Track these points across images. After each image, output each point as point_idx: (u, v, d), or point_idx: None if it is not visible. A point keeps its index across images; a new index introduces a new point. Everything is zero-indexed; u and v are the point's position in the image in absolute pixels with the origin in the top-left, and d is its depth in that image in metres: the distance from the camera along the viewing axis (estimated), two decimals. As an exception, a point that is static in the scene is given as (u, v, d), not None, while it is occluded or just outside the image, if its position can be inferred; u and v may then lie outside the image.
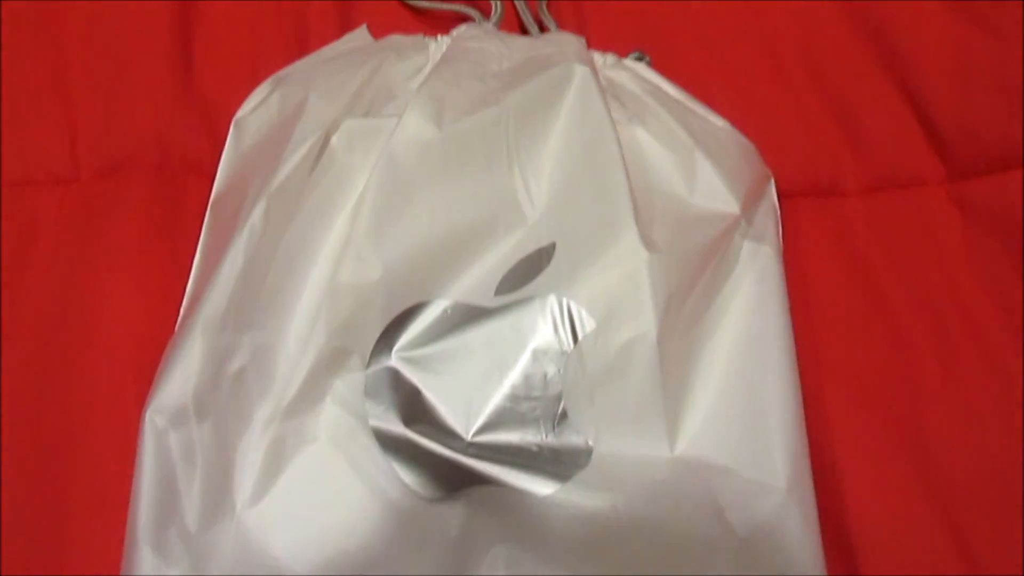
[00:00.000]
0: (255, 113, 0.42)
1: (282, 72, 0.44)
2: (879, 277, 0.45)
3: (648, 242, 0.37)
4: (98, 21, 0.49)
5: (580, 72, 0.41)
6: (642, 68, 0.47)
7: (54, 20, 0.49)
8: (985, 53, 0.48)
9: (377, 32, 0.48)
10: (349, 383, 0.35)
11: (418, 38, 0.46)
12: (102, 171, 0.46)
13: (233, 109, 0.44)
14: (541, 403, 0.35)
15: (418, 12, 0.52)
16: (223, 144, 0.43)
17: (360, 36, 0.47)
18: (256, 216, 0.37)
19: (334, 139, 0.39)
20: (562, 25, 0.51)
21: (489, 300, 0.36)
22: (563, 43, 0.45)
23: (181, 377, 0.35)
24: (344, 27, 0.50)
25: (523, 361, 0.35)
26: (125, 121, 0.47)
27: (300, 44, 0.50)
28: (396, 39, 0.46)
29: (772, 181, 0.45)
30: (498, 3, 0.50)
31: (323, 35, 0.49)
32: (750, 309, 0.39)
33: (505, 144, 0.39)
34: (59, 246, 0.43)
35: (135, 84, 0.48)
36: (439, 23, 0.51)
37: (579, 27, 0.52)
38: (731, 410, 0.36)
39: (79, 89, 0.47)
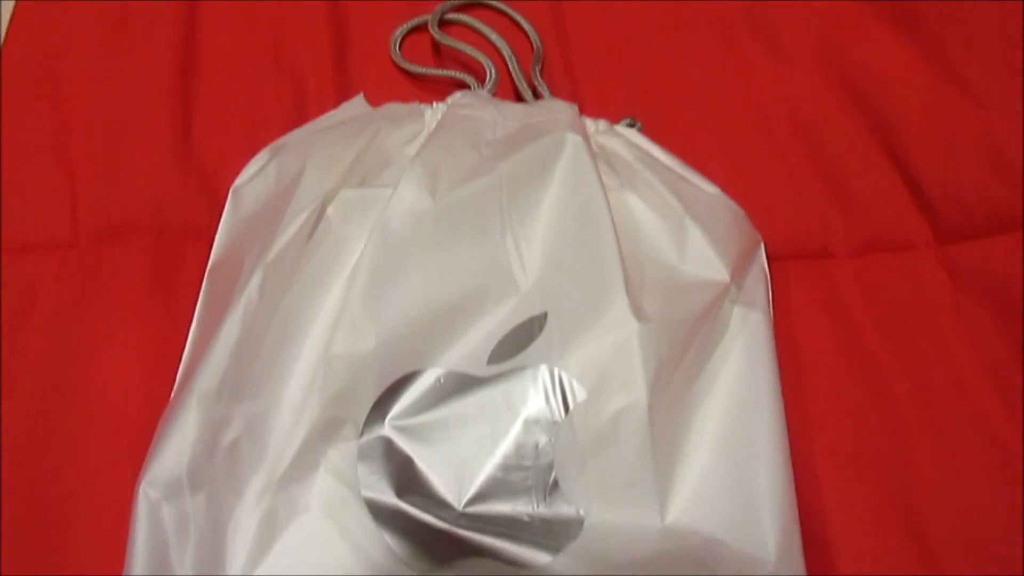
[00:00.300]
0: (253, 181, 0.43)
1: (280, 140, 0.45)
2: (868, 340, 0.46)
3: (638, 311, 0.37)
4: (99, 87, 0.50)
5: (572, 141, 0.41)
6: (633, 134, 0.47)
7: (55, 86, 0.50)
8: (970, 119, 0.49)
9: (375, 97, 0.49)
10: (342, 452, 0.36)
11: (414, 106, 0.47)
12: (101, 236, 0.46)
13: (232, 175, 0.45)
14: (533, 473, 0.35)
15: (415, 78, 0.53)
16: (221, 209, 0.44)
17: (357, 105, 0.48)
18: (252, 287, 0.37)
19: (330, 209, 0.40)
20: (556, 91, 0.52)
21: (482, 369, 0.37)
22: (556, 110, 0.46)
23: (176, 450, 0.35)
24: (342, 93, 0.51)
25: (515, 431, 0.35)
26: (125, 186, 0.47)
27: (298, 111, 0.51)
28: (392, 107, 0.47)
29: (762, 246, 0.46)
30: (493, 70, 0.51)
31: (321, 102, 0.51)
32: (740, 376, 0.39)
33: (498, 212, 0.40)
34: (58, 311, 0.44)
35: (135, 150, 0.48)
36: (436, 87, 0.52)
37: (572, 93, 0.53)
38: (721, 479, 0.36)
39: (80, 154, 0.48)
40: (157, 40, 0.52)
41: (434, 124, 0.45)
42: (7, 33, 0.52)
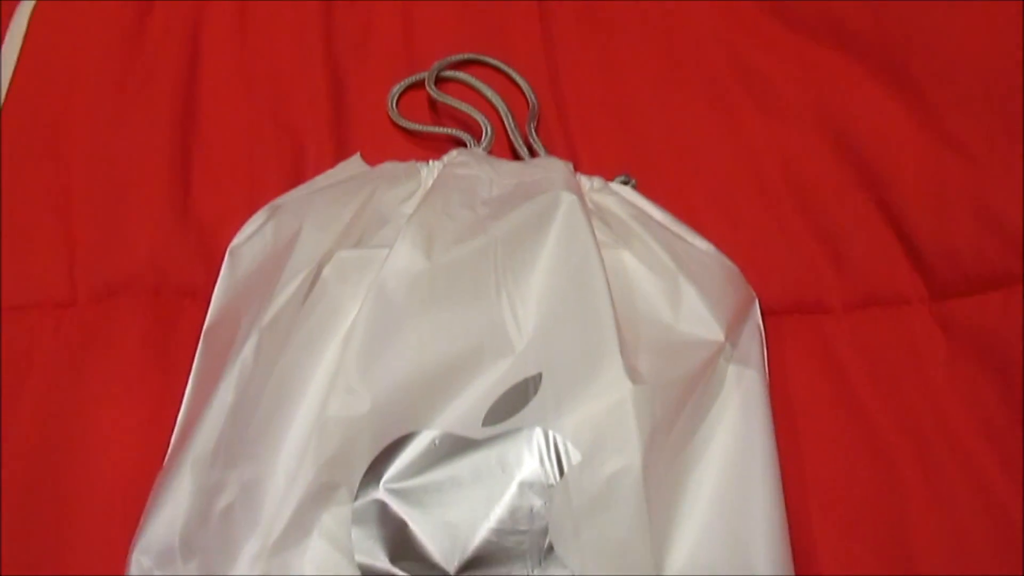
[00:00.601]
0: (250, 242, 0.43)
1: (277, 200, 0.45)
2: (863, 396, 0.46)
3: (633, 373, 0.37)
4: (99, 146, 0.51)
5: (567, 200, 0.42)
6: (628, 191, 0.48)
7: (56, 145, 0.51)
8: (962, 176, 0.49)
9: (372, 154, 0.50)
10: (336, 516, 0.35)
11: (410, 164, 0.47)
12: (99, 295, 0.46)
13: (230, 233, 0.45)
14: (527, 537, 0.35)
15: (412, 135, 0.54)
16: (218, 268, 0.44)
17: (354, 164, 0.48)
18: (247, 351, 0.38)
19: (326, 270, 0.40)
20: (551, 147, 0.52)
21: (477, 431, 0.37)
22: (551, 168, 0.47)
23: (169, 517, 0.35)
24: (340, 151, 0.52)
25: (510, 494, 0.35)
26: (123, 245, 0.48)
27: (296, 169, 0.51)
28: (389, 167, 0.47)
29: (756, 302, 0.46)
30: (488, 127, 0.51)
31: (319, 160, 0.51)
32: (736, 436, 0.39)
33: (493, 272, 0.40)
34: (54, 370, 0.44)
35: (133, 209, 0.49)
36: (433, 144, 0.53)
37: (568, 149, 0.54)
38: (717, 542, 0.36)
39: (79, 213, 0.49)
40: (157, 100, 0.53)
41: (430, 182, 0.46)
42: (8, 93, 0.52)
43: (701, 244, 0.46)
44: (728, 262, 0.46)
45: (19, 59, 0.54)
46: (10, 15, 0.55)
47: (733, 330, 0.42)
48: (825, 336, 0.48)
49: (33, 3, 0.57)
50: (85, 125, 0.52)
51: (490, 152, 0.51)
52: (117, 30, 0.55)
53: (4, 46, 0.54)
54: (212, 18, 0.57)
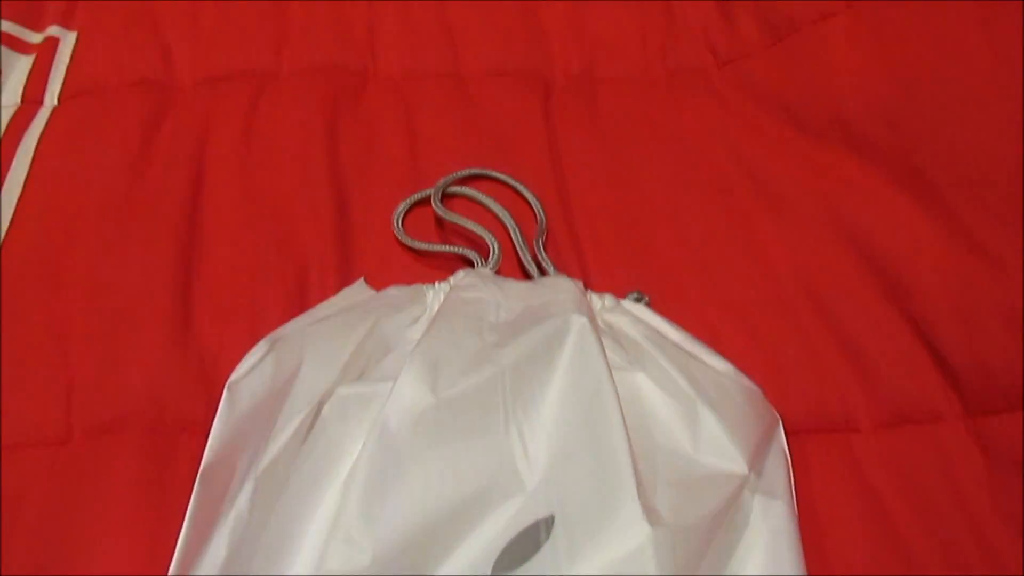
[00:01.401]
0: (248, 377, 0.42)
1: (278, 332, 0.44)
2: (897, 519, 0.43)
3: (651, 514, 0.35)
4: (100, 277, 0.50)
5: (577, 324, 0.40)
6: (641, 310, 0.46)
7: (56, 276, 0.50)
8: (988, 285, 0.47)
9: (378, 272, 0.49)
10: None
11: (415, 288, 0.46)
12: (95, 431, 0.44)
13: (231, 363, 0.43)
14: None
15: (419, 253, 0.53)
16: (219, 399, 0.43)
17: (358, 290, 0.47)
18: (243, 500, 0.36)
19: (326, 408, 0.38)
20: (561, 262, 0.51)
21: (486, 581, 0.34)
22: (560, 288, 0.45)
23: None
24: (345, 272, 0.51)
25: (521, 654, 0.33)
26: (120, 380, 0.46)
27: (300, 292, 0.50)
28: (393, 292, 0.46)
29: (780, 425, 0.44)
30: (496, 246, 0.50)
31: (324, 282, 0.50)
32: (765, 576, 0.37)
33: (502, 405, 0.38)
34: (46, 513, 0.42)
35: (132, 341, 0.47)
36: (440, 261, 0.52)
37: (578, 264, 0.52)
38: None
39: (76, 347, 0.47)
40: (159, 227, 0.52)
41: (436, 306, 0.45)
42: (11, 223, 0.52)
43: (719, 365, 0.44)
44: (748, 383, 0.44)
45: (23, 189, 0.53)
46: (15, 145, 0.56)
47: (757, 458, 0.40)
48: (854, 456, 0.46)
49: (40, 130, 0.57)
50: (86, 255, 0.51)
51: (498, 270, 0.50)
52: (122, 158, 0.55)
53: (8, 176, 0.54)
54: (216, 140, 0.57)
